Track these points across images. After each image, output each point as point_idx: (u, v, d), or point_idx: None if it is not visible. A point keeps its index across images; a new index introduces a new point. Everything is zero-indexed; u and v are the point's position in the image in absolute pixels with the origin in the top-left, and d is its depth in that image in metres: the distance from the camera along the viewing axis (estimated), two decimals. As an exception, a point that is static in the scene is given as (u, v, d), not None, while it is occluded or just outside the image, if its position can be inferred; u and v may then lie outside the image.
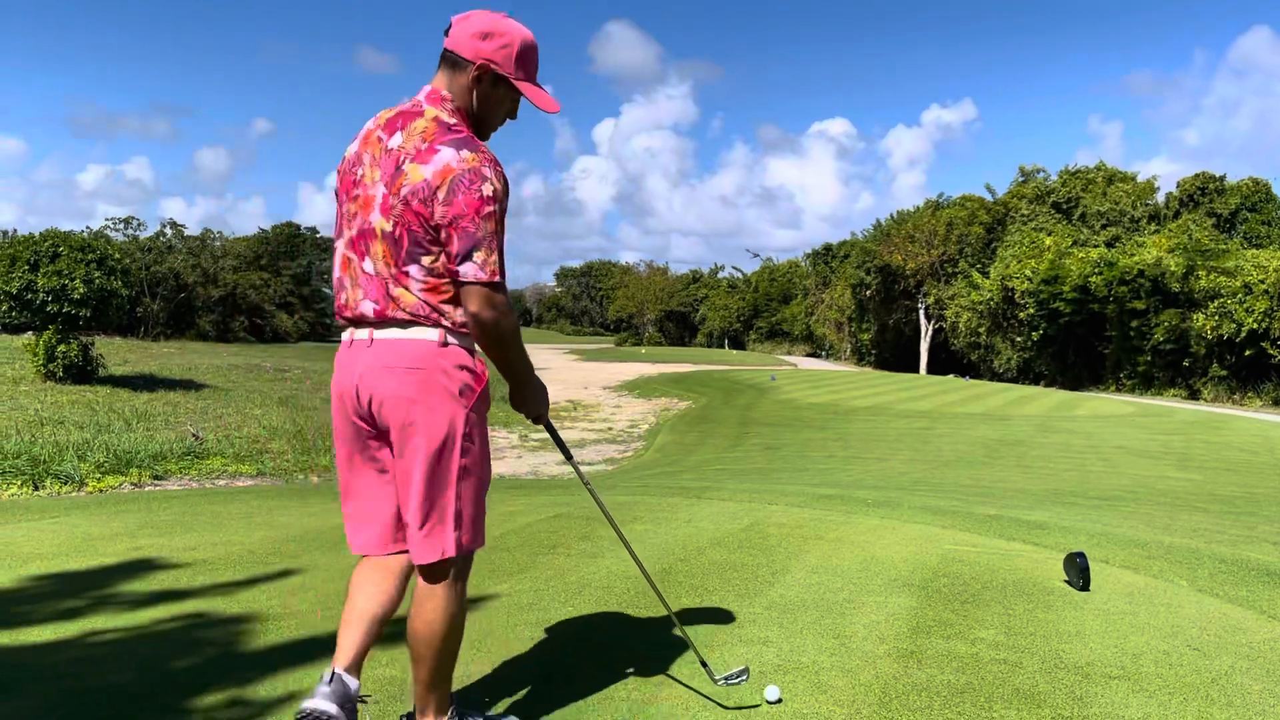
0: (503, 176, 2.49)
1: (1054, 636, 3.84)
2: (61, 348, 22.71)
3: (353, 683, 2.62)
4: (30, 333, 25.54)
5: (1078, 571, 4.57)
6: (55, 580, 4.58)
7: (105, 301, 22.91)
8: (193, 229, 65.68)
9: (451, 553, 2.57)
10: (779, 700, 3.10)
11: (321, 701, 2.53)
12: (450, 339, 2.55)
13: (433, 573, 2.60)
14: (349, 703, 2.57)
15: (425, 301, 2.52)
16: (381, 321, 2.56)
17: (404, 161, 2.50)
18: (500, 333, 2.53)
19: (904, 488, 9.78)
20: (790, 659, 3.51)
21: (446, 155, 2.45)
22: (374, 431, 2.61)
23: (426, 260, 2.49)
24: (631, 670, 3.39)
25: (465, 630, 3.79)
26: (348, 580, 4.59)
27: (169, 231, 60.45)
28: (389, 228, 2.51)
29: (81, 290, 22.03)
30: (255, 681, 3.24)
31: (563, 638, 3.76)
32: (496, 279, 2.47)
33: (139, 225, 57.46)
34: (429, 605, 2.61)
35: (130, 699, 3.08)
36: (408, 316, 2.53)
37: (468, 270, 2.45)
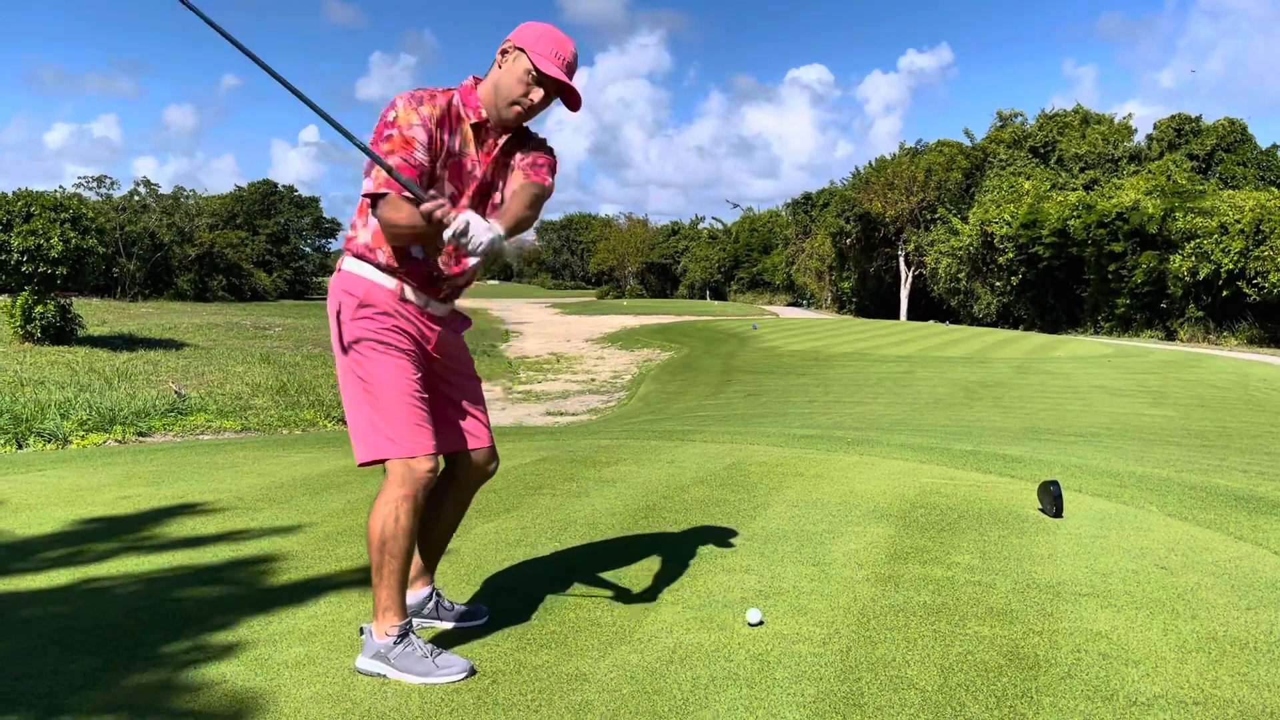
0: (412, 106, 2.75)
1: (1027, 559, 3.95)
2: (39, 308, 22.54)
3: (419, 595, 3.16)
4: (5, 295, 25.30)
5: (1051, 499, 4.69)
6: (46, 528, 4.63)
7: (81, 261, 22.70)
8: (165, 188, 64.79)
9: (359, 459, 2.82)
10: (760, 623, 3.19)
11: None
12: (347, 265, 2.88)
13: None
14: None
15: (352, 223, 2.90)
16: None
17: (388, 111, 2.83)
18: (394, 232, 2.77)
19: (884, 428, 9.92)
20: (771, 585, 3.61)
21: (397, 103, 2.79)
22: None
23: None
24: (617, 598, 3.48)
25: (456, 566, 3.89)
26: (338, 523, 4.68)
27: (143, 190, 59.66)
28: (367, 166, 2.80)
29: (59, 249, 21.81)
30: (249, 619, 3.31)
31: (550, 570, 3.85)
32: (379, 190, 2.70)
33: (112, 184, 56.70)
34: (374, 505, 2.84)
35: (125, 636, 3.15)
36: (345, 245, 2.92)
37: (364, 186, 2.74)
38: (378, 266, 2.83)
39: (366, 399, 2.80)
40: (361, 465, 2.85)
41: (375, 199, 2.71)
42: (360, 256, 2.84)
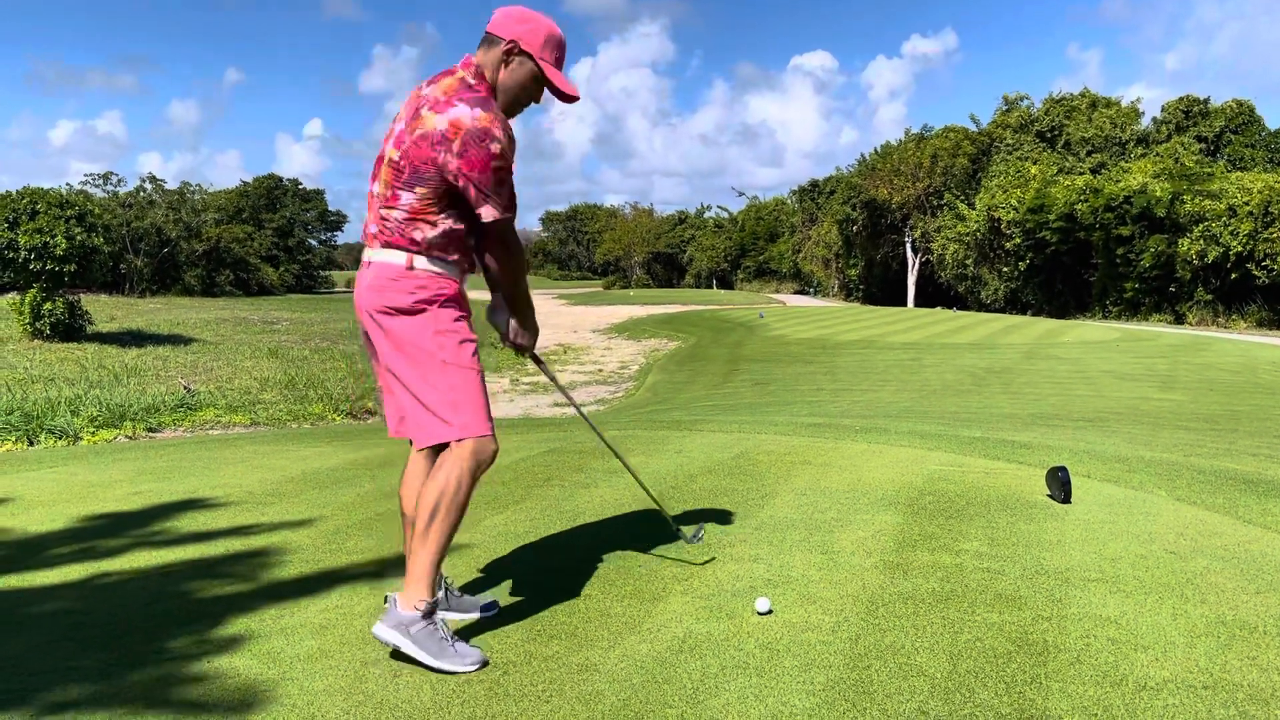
0: (509, 133, 2.89)
1: (1035, 545, 3.95)
2: (47, 306, 22.62)
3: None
4: (14, 292, 25.39)
5: (1059, 485, 4.69)
6: (58, 524, 4.66)
7: (88, 258, 22.76)
8: (171, 183, 64.89)
9: (443, 437, 2.94)
10: (769, 611, 3.21)
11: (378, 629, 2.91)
12: (417, 263, 2.93)
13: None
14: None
15: (402, 226, 2.91)
16: (373, 244, 2.99)
17: (423, 108, 2.90)
18: (513, 263, 3.05)
19: (892, 415, 9.91)
20: (780, 573, 3.62)
21: (460, 111, 2.84)
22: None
23: (420, 192, 2.88)
24: (626, 588, 3.49)
25: (466, 558, 3.90)
26: (348, 517, 4.70)
27: (148, 186, 59.78)
28: (395, 157, 2.92)
29: (64, 246, 21.87)
30: (260, 613, 3.33)
31: (559, 562, 3.86)
32: (509, 215, 2.95)
33: (118, 181, 56.87)
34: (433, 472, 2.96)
35: (137, 631, 3.17)
36: (386, 240, 2.94)
37: (486, 213, 2.89)
38: (450, 264, 2.97)
39: (449, 381, 2.93)
40: (430, 445, 3.00)
41: (505, 222, 2.94)
42: (433, 255, 2.94)
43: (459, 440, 2.92)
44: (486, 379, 3.15)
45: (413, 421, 2.99)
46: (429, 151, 2.84)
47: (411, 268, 2.92)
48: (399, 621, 2.83)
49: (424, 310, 2.93)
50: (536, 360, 3.42)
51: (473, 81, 2.93)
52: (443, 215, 2.91)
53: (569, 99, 3.08)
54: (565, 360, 26.79)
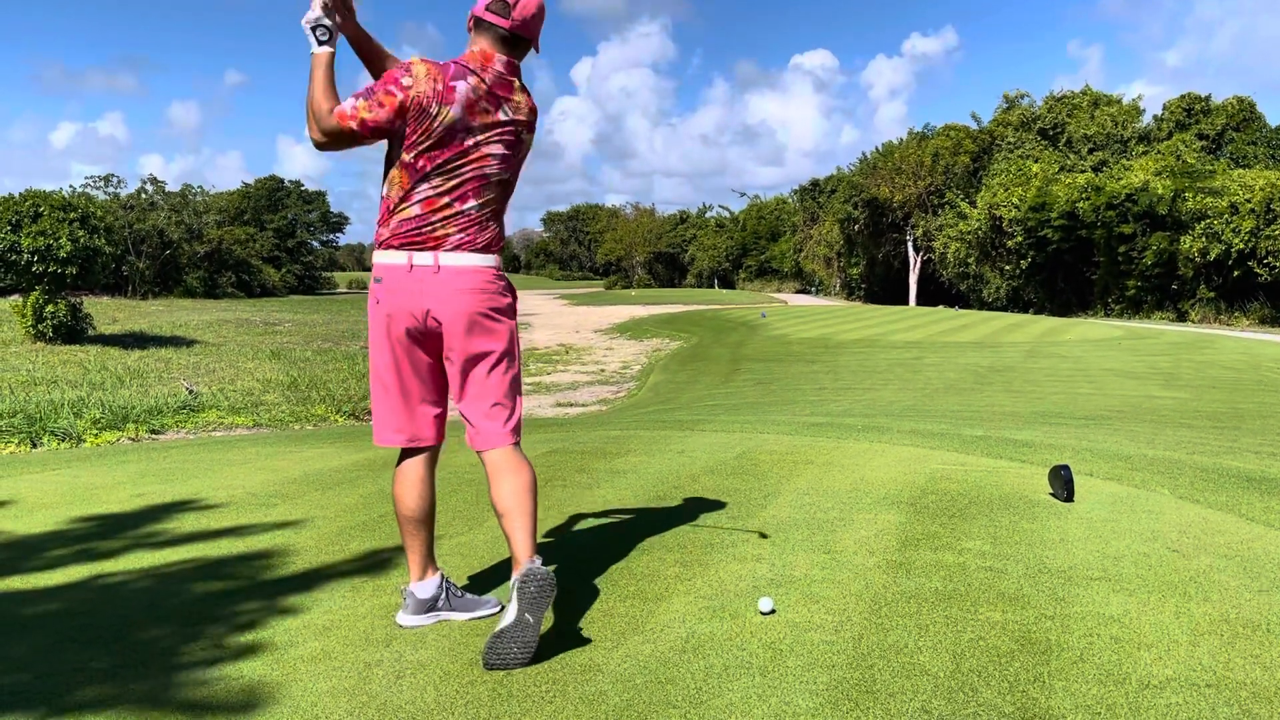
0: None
1: (1038, 544, 3.95)
2: (50, 308, 22.63)
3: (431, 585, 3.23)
4: (17, 295, 25.42)
5: (1062, 483, 4.69)
6: (62, 526, 4.67)
7: (90, 260, 22.78)
8: (173, 185, 64.94)
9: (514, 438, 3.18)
10: (772, 611, 3.21)
11: (403, 617, 3.19)
12: (489, 261, 3.13)
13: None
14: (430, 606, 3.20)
15: (493, 233, 3.13)
16: (456, 249, 3.06)
17: (522, 133, 3.13)
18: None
19: (894, 415, 9.91)
20: (783, 573, 3.62)
21: (531, 100, 3.17)
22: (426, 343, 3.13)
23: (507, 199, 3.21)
24: (629, 589, 3.49)
25: (469, 558, 3.91)
26: (351, 518, 4.70)
27: (150, 188, 59.79)
28: (507, 178, 3.15)
29: (68, 248, 21.89)
30: (264, 614, 3.34)
31: (563, 562, 3.87)
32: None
33: (119, 183, 56.81)
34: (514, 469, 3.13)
35: (142, 633, 3.18)
36: (480, 248, 3.10)
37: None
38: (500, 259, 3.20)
39: (519, 385, 3.25)
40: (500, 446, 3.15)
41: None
42: (493, 252, 3.15)
43: (518, 443, 3.17)
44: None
45: (494, 420, 3.12)
46: (524, 157, 3.21)
47: (499, 271, 3.15)
48: (539, 572, 2.89)
49: (513, 312, 3.19)
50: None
51: (526, 87, 3.18)
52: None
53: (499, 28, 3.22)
54: (567, 360, 26.79)
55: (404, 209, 3.03)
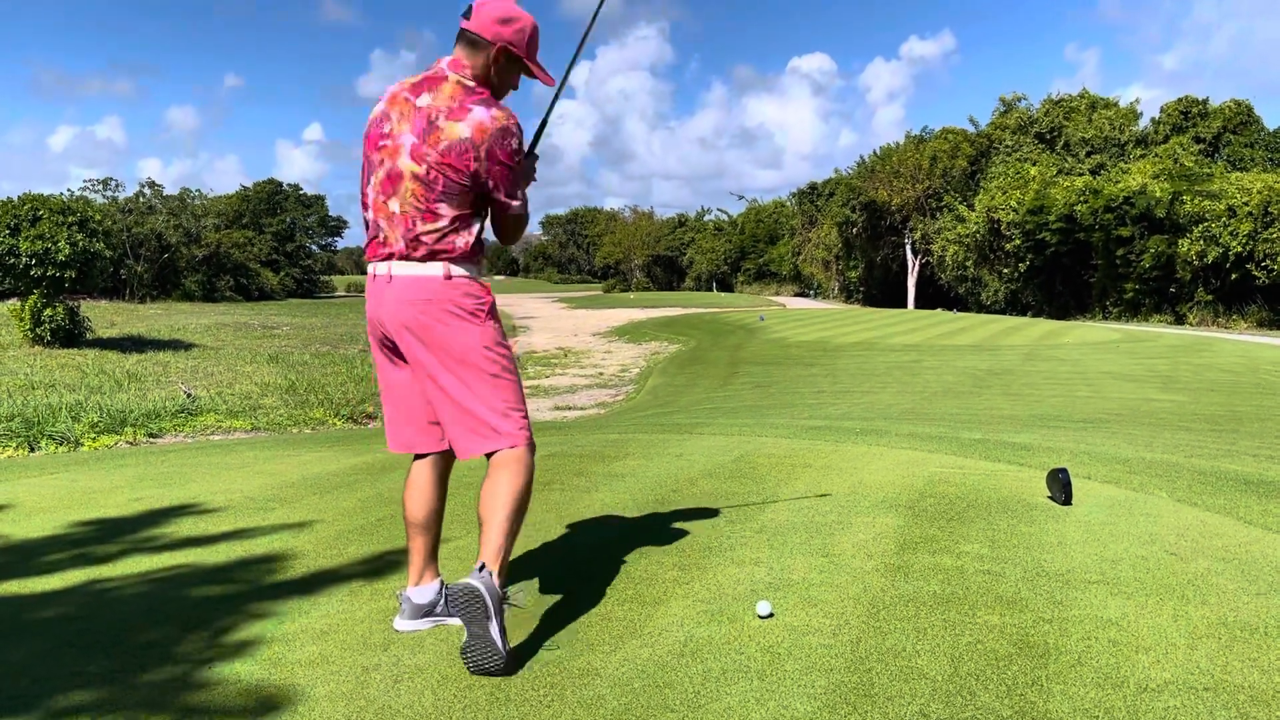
0: (520, 128, 3.02)
1: (1036, 547, 3.96)
2: (48, 312, 22.62)
3: (431, 589, 3.22)
4: (15, 299, 25.40)
5: (1060, 486, 4.69)
6: (60, 531, 4.66)
7: (89, 264, 22.77)
8: (171, 189, 64.95)
9: (507, 444, 3.03)
10: (770, 615, 3.20)
11: (400, 622, 3.17)
12: (454, 271, 2.98)
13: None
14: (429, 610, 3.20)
15: (441, 238, 2.95)
16: (404, 258, 2.98)
17: (437, 119, 2.93)
18: (521, 228, 3.18)
19: (892, 418, 9.91)
20: (781, 577, 3.62)
21: (479, 114, 2.92)
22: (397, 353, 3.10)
23: (458, 202, 2.95)
24: (627, 593, 3.49)
25: (466, 563, 3.91)
26: (349, 522, 4.70)
27: (148, 192, 59.79)
28: (421, 171, 2.93)
29: (66, 252, 21.88)
30: (262, 618, 3.34)
31: (560, 566, 3.87)
32: (527, 206, 3.16)
33: (118, 186, 56.81)
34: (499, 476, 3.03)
35: (140, 637, 3.17)
36: (425, 253, 2.96)
37: (510, 204, 3.05)
38: (479, 269, 3.07)
39: (500, 393, 3.02)
40: (471, 457, 3.07)
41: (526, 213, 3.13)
42: (469, 262, 3.02)
43: (512, 447, 3.01)
44: None
45: (458, 431, 3.02)
46: (459, 160, 2.90)
47: (449, 277, 2.97)
48: (501, 596, 2.86)
49: (472, 321, 2.99)
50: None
51: (472, 84, 2.99)
52: (476, 222, 3.01)
53: (547, 83, 3.18)
54: (566, 364, 26.78)
55: (368, 215, 3.09)
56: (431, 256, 2.96)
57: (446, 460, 3.24)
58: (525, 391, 3.24)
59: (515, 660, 2.86)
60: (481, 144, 2.90)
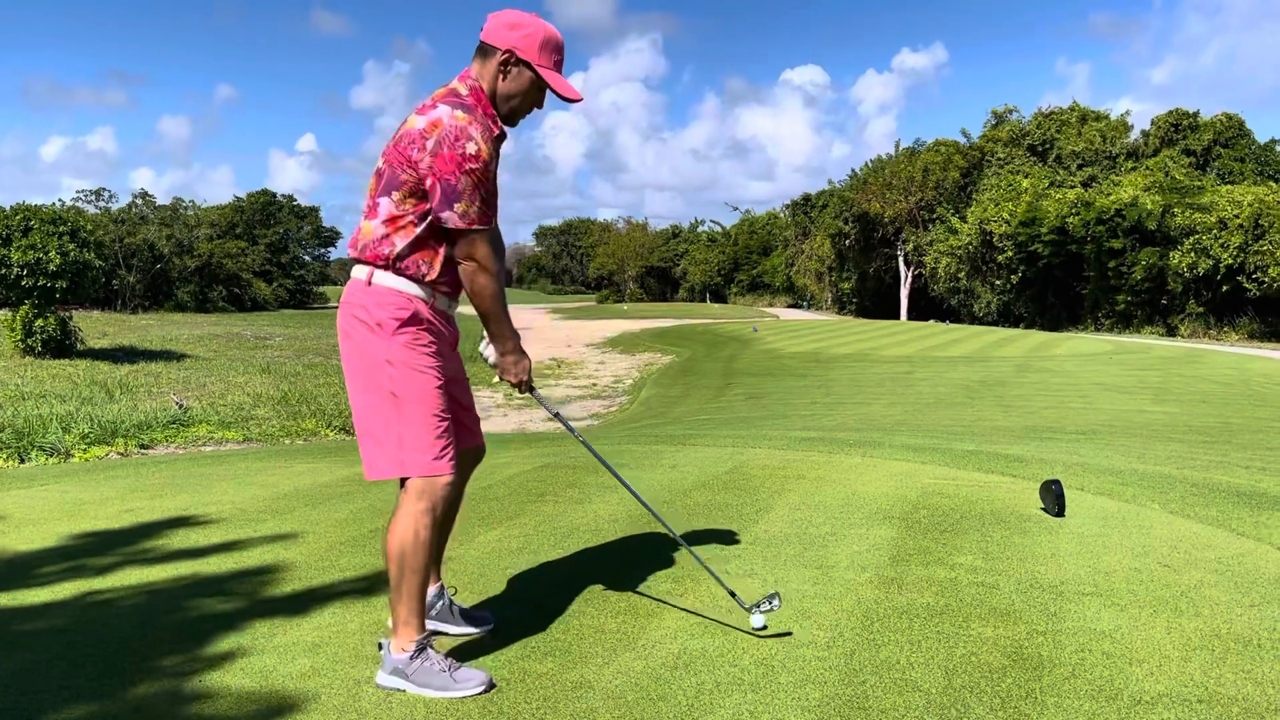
0: (490, 141, 2.78)
1: (1029, 559, 3.96)
2: (39, 322, 22.56)
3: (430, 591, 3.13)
4: (6, 309, 25.33)
5: (1053, 498, 4.69)
6: (50, 543, 4.63)
7: (80, 274, 22.72)
8: (163, 199, 64.86)
9: (380, 474, 2.86)
10: (764, 627, 3.19)
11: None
12: (378, 278, 2.82)
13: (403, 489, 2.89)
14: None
15: (374, 238, 2.81)
16: (355, 260, 2.89)
17: (411, 114, 2.83)
18: (476, 285, 2.85)
19: (885, 429, 9.91)
20: (775, 589, 3.61)
21: (440, 111, 2.76)
22: None
23: (395, 197, 2.79)
24: (621, 605, 3.48)
25: (459, 574, 3.89)
26: (341, 534, 4.68)
27: (140, 202, 59.76)
28: (381, 165, 2.85)
29: (57, 262, 21.83)
30: (253, 631, 3.32)
31: (554, 578, 3.85)
32: (474, 227, 2.77)
33: (110, 197, 56.87)
34: (393, 519, 2.89)
35: (129, 650, 3.15)
36: (359, 255, 2.85)
37: (449, 218, 2.75)
38: (415, 279, 2.82)
39: (396, 415, 2.80)
40: (373, 480, 2.89)
41: (468, 233, 2.77)
42: (398, 270, 2.81)
43: (420, 476, 2.81)
44: (481, 393, 3.14)
45: (364, 446, 2.86)
46: (405, 151, 2.75)
47: (370, 283, 2.82)
48: (395, 667, 2.81)
49: (377, 332, 2.79)
50: (535, 395, 3.20)
51: (464, 91, 2.84)
52: (419, 225, 2.78)
53: (571, 101, 2.97)
54: (559, 375, 26.77)
55: None
56: (362, 259, 2.83)
57: (460, 461, 3.06)
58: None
59: (489, 683, 2.81)
60: (431, 135, 2.72)
